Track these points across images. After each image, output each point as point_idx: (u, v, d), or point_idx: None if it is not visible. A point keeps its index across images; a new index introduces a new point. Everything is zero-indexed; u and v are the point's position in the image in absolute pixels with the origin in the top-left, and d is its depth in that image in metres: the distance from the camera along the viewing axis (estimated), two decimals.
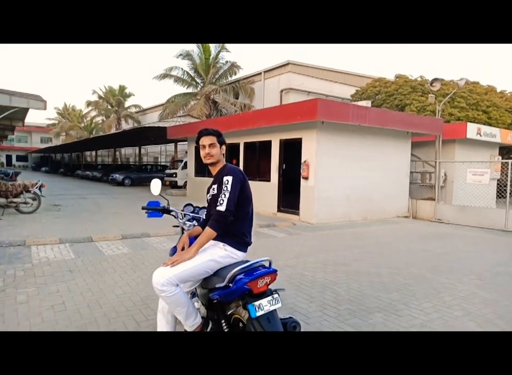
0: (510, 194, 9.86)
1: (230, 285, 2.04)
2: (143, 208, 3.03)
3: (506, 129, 15.31)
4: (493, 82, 65.11)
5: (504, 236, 8.61)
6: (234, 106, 21.56)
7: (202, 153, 2.47)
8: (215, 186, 2.39)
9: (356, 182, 10.00)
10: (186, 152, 18.88)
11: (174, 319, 2.35)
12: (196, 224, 2.95)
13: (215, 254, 2.21)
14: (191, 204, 3.26)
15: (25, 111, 11.26)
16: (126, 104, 37.50)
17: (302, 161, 9.35)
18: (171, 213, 3.03)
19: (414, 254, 6.32)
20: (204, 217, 2.72)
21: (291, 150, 9.84)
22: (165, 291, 2.07)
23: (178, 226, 3.20)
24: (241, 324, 2.28)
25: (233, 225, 2.27)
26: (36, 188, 8.75)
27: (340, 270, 5.21)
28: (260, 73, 20.55)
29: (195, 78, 23.33)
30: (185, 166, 16.52)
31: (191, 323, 2.21)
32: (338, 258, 5.90)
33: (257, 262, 2.14)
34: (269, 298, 2.01)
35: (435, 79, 12.22)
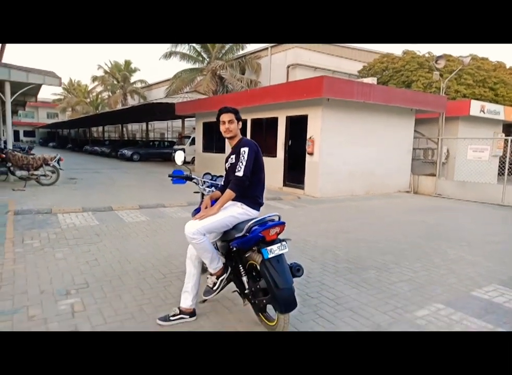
0: (508, 170, 10.20)
1: (247, 234, 2.52)
2: (169, 176, 3.48)
3: (510, 107, 15.39)
4: (503, 58, 63.53)
5: (500, 210, 9.02)
6: (241, 82, 21.63)
7: (222, 128, 2.89)
8: (233, 156, 2.83)
9: (359, 157, 10.37)
10: (193, 128, 19.21)
11: (200, 265, 2.86)
12: (214, 190, 3.41)
13: (234, 211, 2.69)
14: (209, 173, 3.70)
15: (39, 87, 11.63)
16: (132, 79, 37.50)
17: (308, 137, 9.71)
18: (193, 180, 3.48)
19: (412, 225, 6.79)
20: (222, 183, 3.17)
21: (297, 126, 10.18)
22: (195, 239, 2.56)
23: (198, 192, 3.67)
24: (255, 267, 2.79)
25: (249, 189, 2.73)
26: (54, 161, 9.25)
27: (340, 237, 5.69)
28: (267, 48, 20.51)
29: (202, 54, 23.30)
30: (193, 142, 16.90)
31: (214, 266, 2.72)
32: (339, 227, 6.38)
33: (269, 216, 2.61)
34: (278, 244, 2.49)
35: (439, 57, 12.32)
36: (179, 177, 3.49)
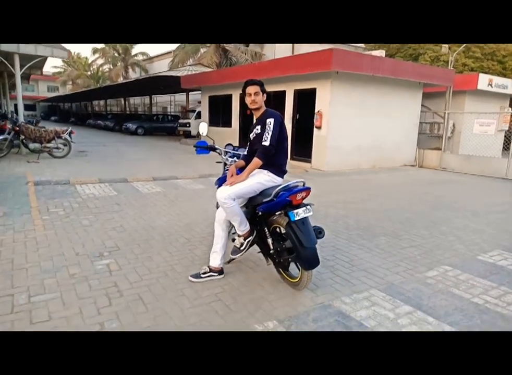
0: None
1: (274, 199, 2.73)
2: (194, 146, 3.66)
3: None
4: None
5: (504, 183, 9.21)
6: (245, 54, 21.34)
7: (248, 99, 3.03)
8: (258, 127, 2.99)
9: (367, 131, 10.46)
10: (198, 102, 19.12)
11: (227, 228, 3.09)
12: (236, 159, 3.60)
13: (261, 178, 2.89)
14: (231, 144, 3.87)
15: (45, 59, 11.58)
16: (133, 52, 36.83)
17: (316, 111, 9.77)
18: (217, 150, 3.66)
19: (418, 196, 7.00)
20: (246, 153, 3.35)
21: (305, 100, 10.21)
22: (226, 203, 2.77)
23: (220, 162, 3.86)
24: (278, 230, 3.02)
25: (274, 157, 2.91)
26: (66, 134, 9.38)
27: (349, 207, 5.92)
28: None
29: None
30: (198, 116, 16.88)
31: (242, 228, 2.94)
32: (347, 198, 6.60)
33: (295, 182, 2.81)
34: (304, 208, 2.70)
35: None
36: (203, 148, 3.67)
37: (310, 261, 2.68)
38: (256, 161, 2.83)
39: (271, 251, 2.97)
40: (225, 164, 3.73)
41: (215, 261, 3.09)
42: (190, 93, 20.51)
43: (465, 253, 3.97)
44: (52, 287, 2.90)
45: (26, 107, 49.71)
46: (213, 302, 2.76)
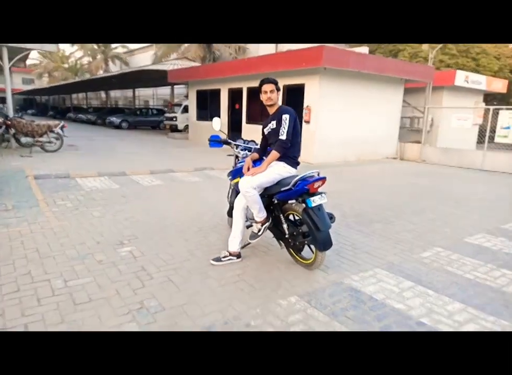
0: (488, 137, 10.95)
1: (292, 188, 3.02)
2: (209, 140, 3.89)
3: (491, 77, 16.06)
4: None
5: (480, 173, 9.83)
6: (229, 48, 21.42)
7: (264, 97, 3.29)
8: (273, 122, 3.26)
9: (353, 125, 10.87)
10: (185, 96, 19.13)
11: (245, 216, 3.36)
12: (247, 153, 3.87)
13: (279, 169, 3.17)
14: (241, 138, 4.12)
15: (29, 52, 11.40)
16: (114, 44, 36.07)
17: (304, 106, 10.10)
18: (230, 144, 3.91)
19: (403, 186, 7.45)
20: (258, 146, 3.61)
21: (294, 95, 10.51)
22: (249, 192, 3.04)
23: (231, 155, 4.12)
24: (291, 217, 3.32)
25: (289, 150, 3.19)
26: (58, 128, 9.36)
27: (342, 196, 6.28)
28: None
29: None
30: (185, 110, 16.93)
31: (261, 215, 3.22)
32: (339, 188, 6.97)
33: (311, 173, 3.11)
34: (319, 196, 3.00)
35: None
36: (217, 141, 3.91)
37: (325, 243, 3.00)
38: (274, 153, 3.11)
39: (286, 236, 3.26)
40: (236, 157, 3.98)
41: (234, 245, 3.37)
42: (175, 87, 20.45)
43: (453, 236, 4.38)
44: (83, 272, 3.11)
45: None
46: (237, 281, 3.04)
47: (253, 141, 4.06)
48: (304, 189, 2.94)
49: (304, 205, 3.04)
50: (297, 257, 3.36)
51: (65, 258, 3.38)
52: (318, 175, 3.10)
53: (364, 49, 12.61)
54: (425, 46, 13.01)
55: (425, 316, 2.61)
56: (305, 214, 3.01)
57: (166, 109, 23.81)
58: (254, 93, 11.99)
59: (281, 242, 3.44)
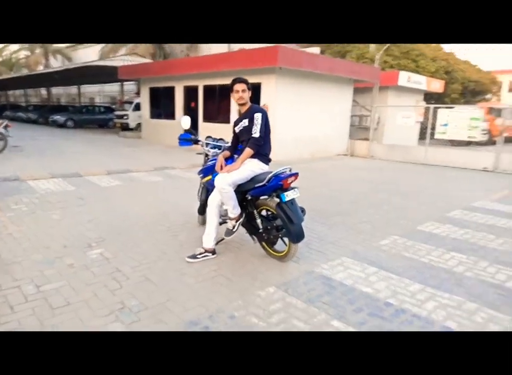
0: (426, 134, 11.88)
1: (267, 184, 3.15)
2: (179, 138, 3.91)
3: (430, 78, 17.36)
4: None
5: (424, 167, 10.65)
6: (180, 45, 21.08)
7: (236, 96, 3.39)
8: (245, 120, 3.37)
9: (307, 124, 11.26)
10: (136, 93, 18.53)
11: (219, 213, 3.43)
12: (217, 151, 3.94)
13: (252, 166, 3.29)
14: (210, 136, 4.18)
15: None
16: None
17: (261, 104, 10.28)
18: (199, 142, 3.95)
19: (356, 181, 7.90)
20: (230, 144, 3.70)
21: (252, 93, 10.64)
22: (225, 189, 3.12)
23: (201, 154, 4.16)
24: (264, 212, 3.45)
25: (261, 147, 3.32)
26: (1, 128, 8.70)
27: (301, 192, 6.47)
28: None
29: None
30: (136, 108, 16.43)
31: (235, 212, 3.32)
32: (297, 184, 7.22)
33: (284, 169, 3.25)
34: (292, 190, 3.16)
35: None
36: (187, 140, 3.94)
37: (298, 235, 3.16)
38: (248, 150, 3.22)
39: (260, 230, 3.39)
40: (206, 155, 4.04)
41: (209, 242, 3.43)
42: (125, 83, 19.74)
43: (406, 225, 4.78)
44: (55, 276, 3.01)
45: None
46: (215, 277, 3.12)
47: (222, 139, 4.14)
48: (278, 184, 3.09)
49: (277, 200, 3.19)
50: (270, 250, 3.50)
51: (32, 263, 3.25)
52: (290, 171, 3.26)
53: (315, 49, 13.08)
54: (372, 48, 13.76)
55: (391, 297, 2.87)
56: (279, 208, 3.16)
57: (114, 106, 22.92)
58: (210, 91, 11.99)
59: (254, 237, 3.56)
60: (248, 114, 3.37)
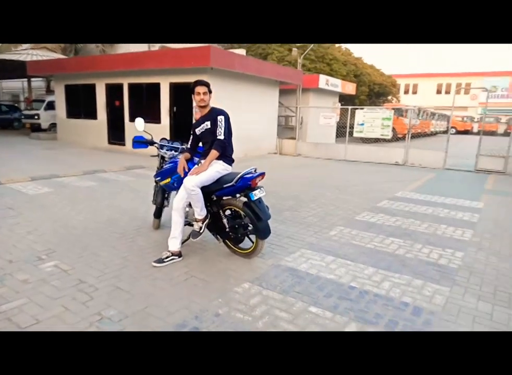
0: (343, 133, 12.96)
1: (235, 184, 3.25)
2: (133, 140, 3.79)
3: (344, 81, 18.88)
4: None
5: (346, 163, 11.62)
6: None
7: (197, 98, 3.42)
8: (208, 123, 3.42)
9: (239, 123, 11.41)
10: (47, 91, 16.86)
11: (184, 215, 3.43)
12: (174, 153, 3.92)
13: (218, 168, 3.35)
14: (165, 138, 4.12)
15: None
16: None
17: (194, 105, 10.22)
18: (155, 145, 3.88)
19: (291, 178, 8.34)
20: (189, 146, 3.70)
21: (182, 93, 10.52)
22: (194, 191, 3.15)
23: (155, 156, 4.08)
24: (227, 212, 3.55)
25: (225, 149, 3.41)
26: None
27: None
28: None
29: None
30: (49, 107, 15.00)
31: (203, 213, 3.36)
32: None
33: (251, 169, 3.37)
34: (259, 189, 3.31)
35: None
36: (141, 142, 3.84)
37: (266, 232, 3.33)
38: (214, 152, 3.28)
39: (227, 230, 3.48)
40: (162, 157, 3.98)
41: (175, 245, 3.42)
42: (32, 80, 17.85)
43: (347, 216, 5.26)
44: (10, 294, 2.75)
45: None
46: (188, 279, 3.14)
47: (177, 141, 4.11)
48: (247, 184, 3.21)
49: (243, 199, 3.31)
50: (235, 248, 3.61)
51: None
52: (255, 171, 3.41)
53: (241, 51, 13.36)
54: (294, 52, 14.50)
55: (353, 281, 3.20)
56: (246, 207, 3.29)
57: (16, 104, 20.56)
58: (137, 90, 11.51)
59: (218, 236, 3.64)
60: (209, 117, 3.43)
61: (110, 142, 12.65)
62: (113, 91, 12.04)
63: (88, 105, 12.76)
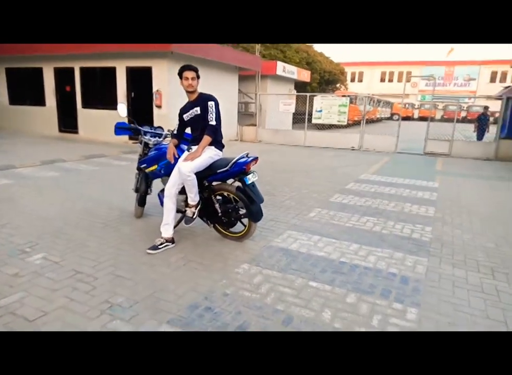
0: (301, 119, 13.32)
1: (229, 169, 3.31)
2: (115, 127, 3.68)
3: (300, 68, 19.21)
4: None
5: (306, 149, 11.98)
6: None
7: (185, 83, 3.40)
8: (197, 108, 3.42)
9: None
10: None
11: (176, 202, 3.43)
12: (158, 139, 3.87)
13: (210, 153, 3.37)
14: (147, 125, 4.03)
15: None
16: None
17: (154, 90, 9.92)
18: (140, 131, 3.80)
19: (259, 164, 8.46)
20: (175, 132, 3.68)
21: (140, 78, 10.14)
22: (190, 176, 3.16)
23: (137, 142, 3.99)
24: (219, 197, 3.61)
25: (217, 134, 3.44)
26: None
27: None
28: None
29: None
30: None
31: (196, 199, 3.38)
32: None
33: (243, 154, 3.43)
34: (252, 174, 3.40)
35: None
36: (124, 128, 3.75)
37: (259, 215, 3.44)
38: (207, 138, 3.30)
39: (219, 214, 3.54)
40: (146, 144, 3.90)
41: (168, 231, 3.42)
42: None
43: (321, 199, 5.51)
44: (4, 289, 2.63)
45: None
46: (186, 263, 3.18)
47: (160, 127, 4.05)
48: (242, 169, 3.29)
49: (236, 184, 3.39)
50: (226, 232, 3.69)
51: None
52: (247, 156, 3.48)
53: None
54: None
55: (342, 257, 3.43)
56: (240, 191, 3.37)
57: None
58: (90, 74, 10.90)
59: (208, 222, 3.69)
60: (199, 102, 3.43)
61: (61, 130, 11.92)
62: (63, 76, 11.30)
63: (35, 91, 11.87)
